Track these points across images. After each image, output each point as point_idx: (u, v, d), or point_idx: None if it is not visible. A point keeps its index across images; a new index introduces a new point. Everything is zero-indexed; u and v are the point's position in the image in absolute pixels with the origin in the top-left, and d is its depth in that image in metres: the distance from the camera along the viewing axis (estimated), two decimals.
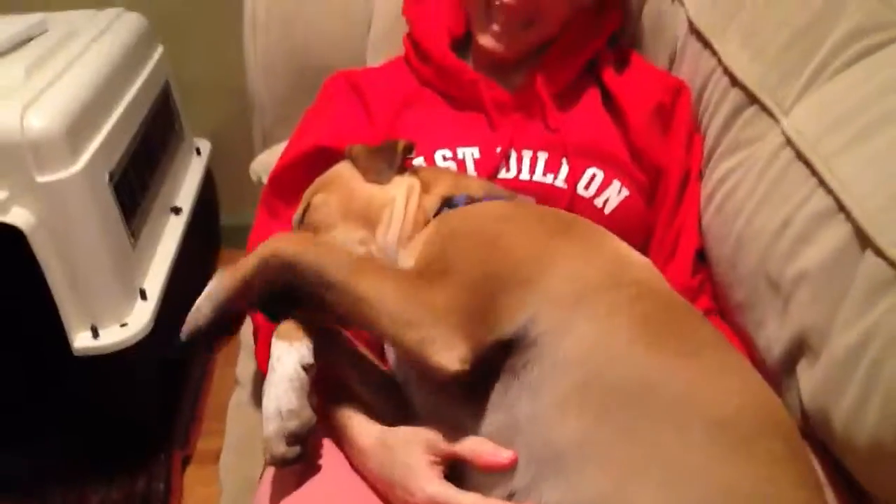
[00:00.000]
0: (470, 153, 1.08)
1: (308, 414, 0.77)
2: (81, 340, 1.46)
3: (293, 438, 0.75)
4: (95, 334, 1.46)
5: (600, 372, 0.71)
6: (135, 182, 1.66)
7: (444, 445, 0.76)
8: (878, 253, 0.65)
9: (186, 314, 0.84)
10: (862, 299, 0.66)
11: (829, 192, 0.76)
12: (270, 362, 0.78)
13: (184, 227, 1.86)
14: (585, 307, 0.75)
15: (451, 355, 0.72)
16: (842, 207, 0.73)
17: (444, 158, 1.09)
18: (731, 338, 0.94)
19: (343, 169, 1.01)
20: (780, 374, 0.83)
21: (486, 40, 1.14)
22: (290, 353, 0.78)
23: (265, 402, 0.76)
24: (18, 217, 1.35)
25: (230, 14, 1.61)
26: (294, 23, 1.46)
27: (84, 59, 1.65)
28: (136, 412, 1.68)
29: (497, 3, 1.10)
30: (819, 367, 0.73)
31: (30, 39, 1.69)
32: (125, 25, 1.91)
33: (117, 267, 1.51)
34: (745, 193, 0.95)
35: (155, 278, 1.65)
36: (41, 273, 1.38)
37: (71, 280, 1.43)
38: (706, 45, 1.16)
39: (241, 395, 1.23)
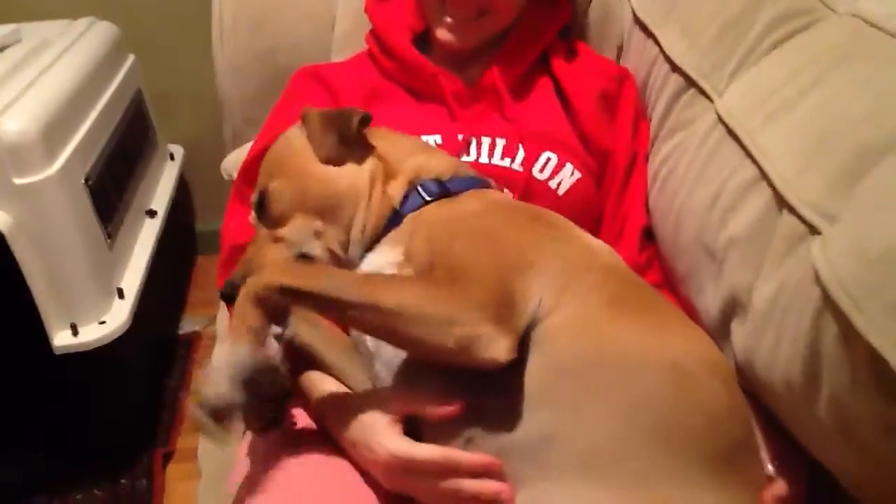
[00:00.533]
0: (433, 140, 1.14)
1: (283, 380, 0.79)
2: (61, 339, 1.50)
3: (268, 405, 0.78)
4: (75, 332, 1.51)
5: (586, 348, 0.77)
6: (110, 185, 1.71)
7: (399, 402, 0.81)
8: (792, 211, 0.72)
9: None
10: (778, 255, 0.73)
11: (754, 162, 0.82)
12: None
13: (159, 229, 1.91)
14: (571, 289, 0.80)
15: (499, 347, 0.73)
16: (764, 175, 0.80)
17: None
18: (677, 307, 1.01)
19: (295, 140, 0.99)
20: (718, 337, 0.89)
21: (441, 33, 1.20)
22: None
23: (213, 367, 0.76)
24: None
25: (199, 22, 1.65)
26: (261, 26, 1.51)
27: (57, 67, 1.70)
28: (116, 411, 1.72)
29: (451, 5, 1.16)
30: (746, 322, 0.79)
31: (3, 49, 1.73)
32: (97, 34, 1.96)
33: (94, 266, 1.55)
34: (683, 171, 1.01)
35: (132, 278, 1.70)
36: (20, 273, 1.42)
37: (50, 279, 1.47)
38: (649, 34, 1.24)
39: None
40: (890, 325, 0.53)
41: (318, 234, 0.94)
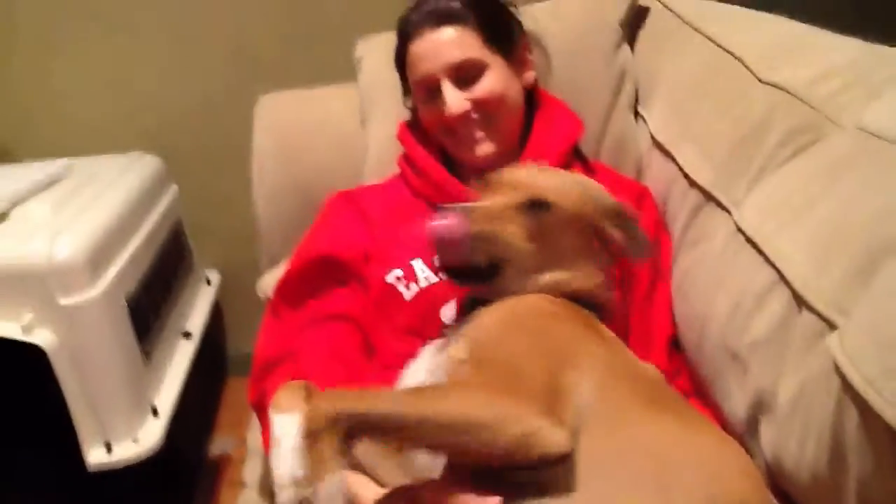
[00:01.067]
0: None
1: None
2: (95, 456, 1.52)
3: None
4: (109, 450, 1.53)
5: (621, 443, 0.78)
6: (148, 307, 1.77)
7: (436, 495, 0.82)
8: (810, 309, 0.74)
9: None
10: (799, 353, 0.75)
11: (772, 266, 0.86)
12: (274, 435, 0.83)
13: (194, 350, 1.95)
14: (611, 390, 0.82)
15: (557, 439, 0.74)
16: (782, 277, 0.83)
17: None
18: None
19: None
20: (747, 439, 0.90)
21: (461, 154, 1.29)
22: (293, 422, 0.81)
23: (276, 472, 0.79)
24: (42, 337, 1.45)
25: (237, 156, 1.76)
26: (297, 155, 1.61)
27: (105, 197, 1.80)
28: None
29: (450, 119, 1.25)
30: (772, 421, 0.80)
31: (57, 181, 1.84)
32: (143, 167, 2.08)
33: (131, 384, 1.59)
34: (704, 279, 1.05)
35: (166, 396, 1.73)
36: (55, 391, 1.46)
37: (87, 397, 1.51)
38: (667, 154, 1.30)
39: (249, 496, 1.29)
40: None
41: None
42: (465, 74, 1.26)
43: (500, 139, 1.29)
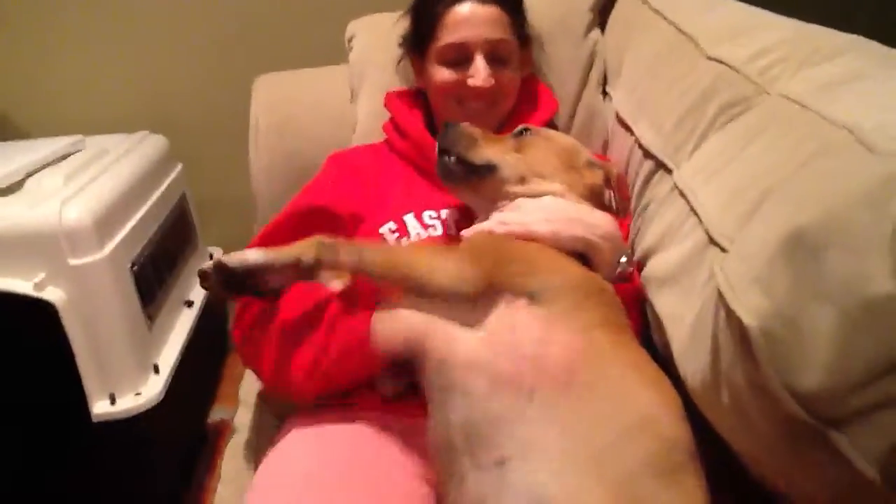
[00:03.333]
0: (430, 214, 1.31)
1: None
2: (100, 407, 1.64)
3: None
4: (112, 402, 1.65)
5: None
6: (152, 275, 1.89)
7: None
8: (714, 244, 0.86)
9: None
10: (703, 282, 0.86)
11: (694, 213, 0.97)
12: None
13: (195, 318, 2.07)
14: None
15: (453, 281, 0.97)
16: (700, 221, 0.94)
17: (430, 217, 1.32)
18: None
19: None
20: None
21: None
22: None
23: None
24: (53, 294, 1.57)
25: (240, 136, 1.86)
26: (291, 130, 1.73)
27: (113, 170, 1.92)
28: (146, 486, 1.83)
29: (470, 88, 1.36)
30: (679, 341, 0.93)
31: (69, 155, 1.96)
32: (150, 145, 2.20)
33: (134, 343, 1.71)
34: (646, 225, 1.17)
35: (167, 357, 1.84)
36: (67, 345, 1.58)
37: (93, 352, 1.62)
38: (627, 128, 1.41)
39: (238, 438, 1.40)
40: (747, 298, 0.66)
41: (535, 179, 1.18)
42: (497, 55, 1.38)
43: (494, 120, 1.41)
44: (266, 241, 1.31)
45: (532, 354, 0.90)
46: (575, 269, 1.04)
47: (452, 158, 1.20)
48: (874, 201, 0.60)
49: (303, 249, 1.00)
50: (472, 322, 0.96)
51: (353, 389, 1.14)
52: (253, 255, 1.01)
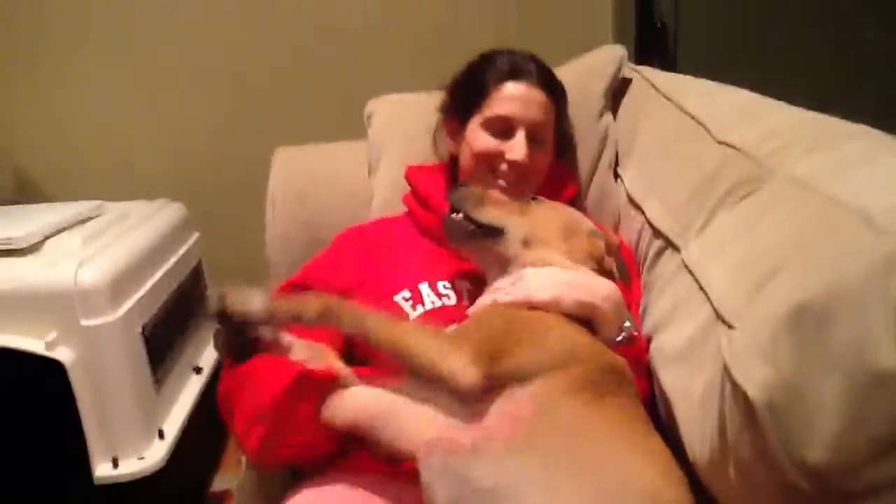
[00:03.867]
0: (442, 285, 1.32)
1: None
2: (102, 469, 1.63)
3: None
4: (115, 465, 1.64)
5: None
6: (163, 339, 1.90)
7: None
8: (722, 321, 0.86)
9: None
10: (711, 358, 0.86)
11: (700, 288, 0.98)
12: None
13: (203, 385, 2.07)
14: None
15: (467, 378, 0.93)
16: (707, 298, 0.95)
17: (445, 287, 1.33)
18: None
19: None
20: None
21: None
22: None
23: None
24: (63, 354, 1.59)
25: (256, 207, 1.90)
26: (307, 201, 1.76)
27: (130, 235, 1.96)
28: None
29: (506, 161, 1.41)
30: (686, 418, 0.92)
31: (89, 219, 2.00)
32: (168, 213, 2.25)
33: (141, 406, 1.71)
34: (656, 298, 1.18)
35: (173, 422, 1.84)
36: (73, 405, 1.58)
37: (99, 414, 1.63)
38: (637, 208, 1.43)
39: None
40: (752, 371, 0.66)
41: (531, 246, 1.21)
42: (536, 136, 1.44)
43: (521, 195, 1.44)
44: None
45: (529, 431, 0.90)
46: (583, 340, 1.05)
47: (460, 215, 1.23)
48: (879, 275, 0.61)
49: (305, 307, 1.01)
50: (467, 414, 0.96)
51: (353, 452, 1.13)
52: (255, 305, 1.01)
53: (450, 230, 1.25)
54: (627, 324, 1.15)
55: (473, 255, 1.27)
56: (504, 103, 1.43)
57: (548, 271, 1.16)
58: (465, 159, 1.49)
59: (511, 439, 0.89)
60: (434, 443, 0.93)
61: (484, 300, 1.17)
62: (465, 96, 1.52)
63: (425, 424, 0.96)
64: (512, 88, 1.44)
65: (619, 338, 1.14)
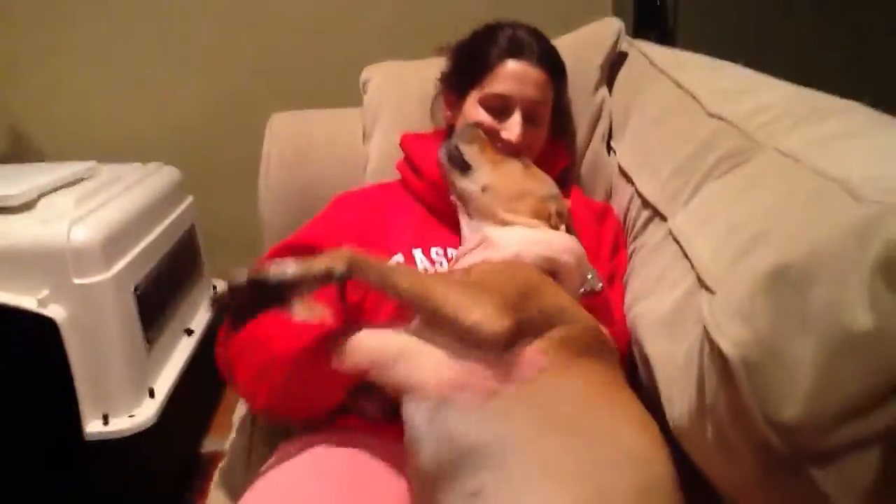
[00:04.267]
0: (436, 251, 1.34)
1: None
2: (93, 426, 1.65)
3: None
4: (105, 422, 1.65)
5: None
6: (155, 298, 1.91)
7: None
8: (704, 287, 0.88)
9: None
10: (693, 323, 0.88)
11: (685, 255, 1.00)
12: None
13: (194, 346, 2.09)
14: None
15: (495, 328, 0.95)
16: (692, 266, 0.96)
17: (437, 254, 1.34)
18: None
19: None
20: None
21: None
22: None
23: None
24: (55, 311, 1.60)
25: (251, 174, 1.90)
26: (300, 165, 1.76)
27: (124, 197, 1.96)
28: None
29: (501, 140, 1.42)
30: (667, 382, 0.93)
31: (82, 179, 2.01)
32: (162, 176, 2.25)
33: (132, 365, 1.72)
34: (639, 270, 1.20)
35: (163, 381, 1.86)
36: (66, 362, 1.60)
37: (91, 371, 1.64)
38: (628, 179, 1.44)
39: (229, 464, 1.41)
40: (730, 329, 0.68)
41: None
42: (533, 115, 1.45)
43: None
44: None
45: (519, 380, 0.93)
46: (569, 300, 1.07)
47: (454, 143, 1.33)
48: (857, 238, 0.63)
49: (334, 262, 1.00)
50: (478, 361, 0.98)
51: (340, 411, 1.15)
52: (290, 269, 1.00)
53: (442, 147, 1.34)
54: (590, 276, 1.20)
55: (452, 187, 1.34)
56: (503, 81, 1.44)
57: (509, 229, 1.22)
58: None
59: (522, 388, 0.92)
60: (452, 383, 0.95)
61: (463, 261, 1.20)
62: (465, 69, 1.52)
63: (439, 366, 0.98)
64: (512, 66, 1.44)
65: (582, 290, 1.19)
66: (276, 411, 1.18)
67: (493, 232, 1.22)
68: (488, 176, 1.30)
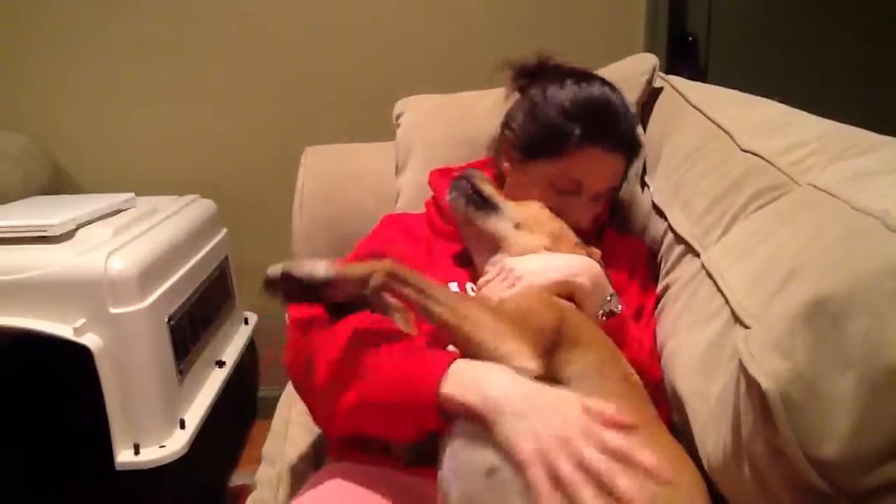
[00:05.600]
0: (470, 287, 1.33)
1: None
2: (124, 456, 1.66)
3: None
4: (137, 451, 1.66)
5: None
6: (188, 331, 1.93)
7: None
8: (739, 323, 0.87)
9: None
10: (729, 360, 0.86)
11: (719, 290, 0.98)
12: None
13: (225, 378, 2.10)
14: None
15: (527, 366, 0.95)
16: (726, 302, 0.95)
17: (472, 290, 1.31)
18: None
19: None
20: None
21: None
22: None
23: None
24: (90, 340, 1.62)
25: (285, 208, 1.93)
26: (334, 198, 1.79)
27: (160, 228, 1.99)
28: None
29: (561, 214, 1.37)
30: (701, 420, 0.92)
31: (120, 211, 2.04)
32: (198, 208, 2.29)
33: (164, 395, 1.74)
34: (674, 301, 1.20)
35: (194, 413, 1.87)
36: (98, 391, 1.61)
37: (123, 401, 1.66)
38: (661, 214, 1.43)
39: (258, 496, 1.40)
40: (767, 364, 0.67)
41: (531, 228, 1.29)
42: (601, 196, 1.43)
43: None
44: None
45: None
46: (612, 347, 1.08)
47: (467, 184, 1.30)
48: None
49: (373, 271, 1.01)
50: None
51: (375, 447, 1.14)
52: (322, 269, 1.03)
53: (455, 191, 1.30)
54: (609, 298, 1.19)
55: (466, 227, 1.32)
56: (577, 166, 1.37)
57: (529, 257, 1.22)
58: (516, 191, 1.42)
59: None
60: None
61: (487, 291, 1.20)
62: (540, 139, 1.40)
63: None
64: (592, 154, 1.36)
65: (601, 311, 1.18)
66: (348, 429, 1.11)
67: (513, 262, 1.22)
68: (519, 214, 1.30)
